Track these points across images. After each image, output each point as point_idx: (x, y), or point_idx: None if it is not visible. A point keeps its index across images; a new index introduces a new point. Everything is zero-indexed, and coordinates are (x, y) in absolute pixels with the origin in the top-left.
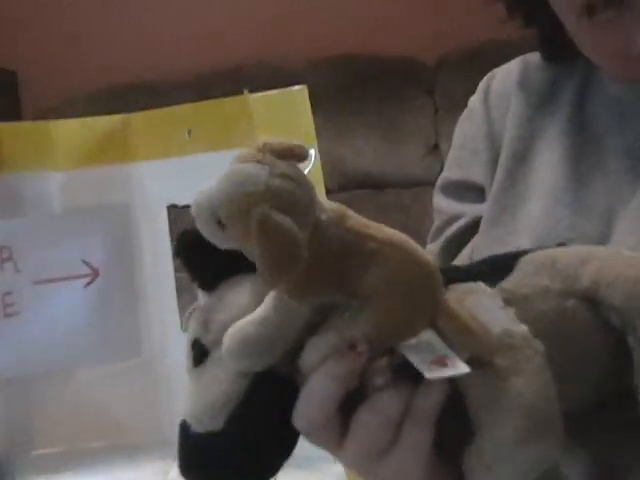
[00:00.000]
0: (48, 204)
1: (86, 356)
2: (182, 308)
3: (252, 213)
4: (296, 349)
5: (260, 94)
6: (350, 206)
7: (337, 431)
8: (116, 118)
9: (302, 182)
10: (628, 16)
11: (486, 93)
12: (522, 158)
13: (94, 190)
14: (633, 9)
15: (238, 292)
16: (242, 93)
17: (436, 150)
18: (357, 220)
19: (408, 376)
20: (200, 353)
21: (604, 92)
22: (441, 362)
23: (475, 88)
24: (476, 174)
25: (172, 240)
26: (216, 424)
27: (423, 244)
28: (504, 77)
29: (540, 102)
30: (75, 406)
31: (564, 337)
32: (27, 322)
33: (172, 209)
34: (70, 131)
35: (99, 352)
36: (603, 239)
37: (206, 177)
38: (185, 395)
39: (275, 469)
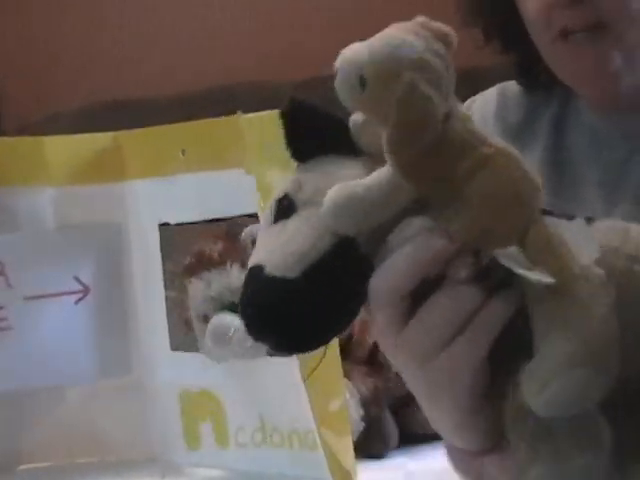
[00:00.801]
0: (41, 219)
1: (76, 372)
2: (172, 327)
3: (401, 77)
4: (385, 231)
5: (252, 115)
6: None
7: (403, 313)
8: (109, 136)
9: (450, 66)
10: (603, 37)
11: None
12: None
13: (87, 207)
14: (609, 31)
15: (335, 167)
16: (234, 112)
17: None
18: (478, 126)
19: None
20: (288, 208)
21: (580, 121)
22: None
23: None
24: None
25: (163, 259)
26: (292, 272)
27: None
28: (481, 105)
29: (517, 131)
30: (64, 422)
31: (627, 299)
32: (18, 337)
33: (164, 227)
34: (64, 147)
35: (89, 368)
36: None
37: (198, 196)
38: (258, 249)
39: (327, 338)
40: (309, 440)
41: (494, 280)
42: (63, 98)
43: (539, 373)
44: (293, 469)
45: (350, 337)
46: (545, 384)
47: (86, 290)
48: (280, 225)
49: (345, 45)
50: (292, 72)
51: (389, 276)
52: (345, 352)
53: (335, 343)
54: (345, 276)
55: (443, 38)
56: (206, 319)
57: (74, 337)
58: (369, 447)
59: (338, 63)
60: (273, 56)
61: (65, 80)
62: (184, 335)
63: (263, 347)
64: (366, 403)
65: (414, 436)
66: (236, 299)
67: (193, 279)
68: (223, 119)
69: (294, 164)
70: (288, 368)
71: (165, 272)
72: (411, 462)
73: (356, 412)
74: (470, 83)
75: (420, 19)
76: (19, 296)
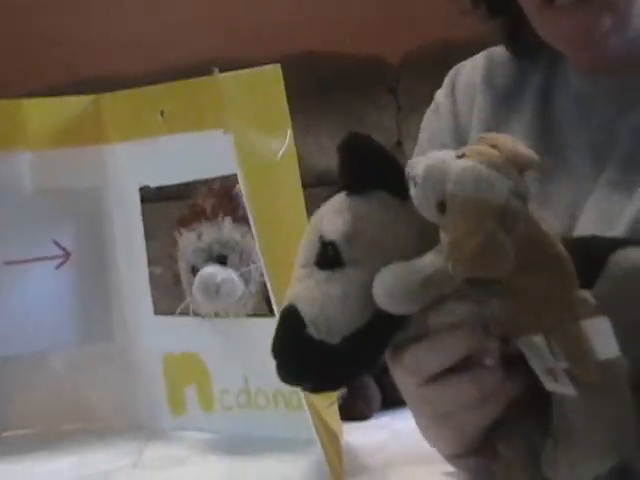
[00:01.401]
0: (19, 183)
1: (59, 338)
2: (155, 294)
3: (483, 223)
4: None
5: (231, 73)
6: (314, 204)
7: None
8: (89, 98)
9: (529, 200)
10: (591, 2)
11: (452, 87)
12: None
13: (66, 171)
14: None
15: (386, 215)
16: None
17: (399, 147)
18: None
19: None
20: (332, 260)
21: (568, 85)
22: (552, 374)
23: (439, 87)
24: None
25: (144, 224)
26: (332, 339)
27: None
28: (470, 71)
29: (505, 96)
30: (47, 388)
31: None
32: (0, 303)
33: (145, 190)
34: (42, 110)
35: (71, 334)
36: (568, 230)
37: (178, 158)
38: (295, 287)
39: (346, 384)
40: (294, 401)
41: (514, 355)
42: (31, 79)
43: (568, 459)
44: (279, 431)
45: None
46: (573, 466)
47: (67, 255)
48: (324, 275)
49: (317, 24)
50: (265, 50)
51: (424, 360)
52: None
53: None
54: (381, 343)
55: (528, 167)
56: (194, 270)
57: (56, 302)
58: (353, 410)
59: (419, 175)
60: (252, 32)
61: (33, 61)
62: (168, 297)
63: (249, 304)
64: None
65: (397, 401)
66: (225, 252)
67: (184, 231)
68: (201, 79)
69: (278, 123)
70: (271, 328)
71: (146, 234)
72: (396, 422)
73: None
74: (455, 55)
75: (509, 150)
76: (0, 261)
